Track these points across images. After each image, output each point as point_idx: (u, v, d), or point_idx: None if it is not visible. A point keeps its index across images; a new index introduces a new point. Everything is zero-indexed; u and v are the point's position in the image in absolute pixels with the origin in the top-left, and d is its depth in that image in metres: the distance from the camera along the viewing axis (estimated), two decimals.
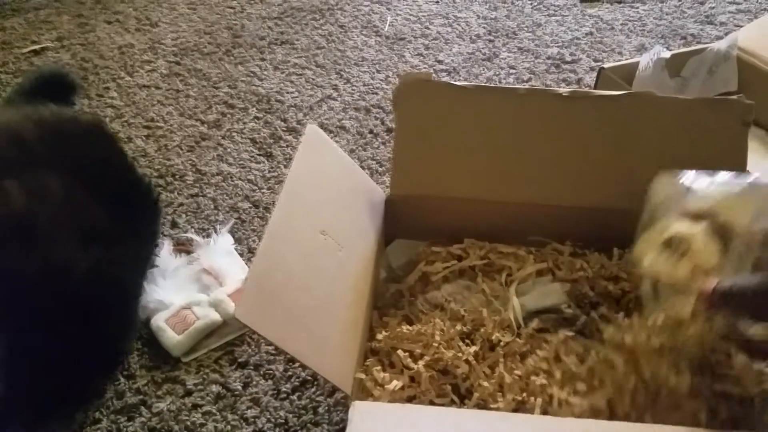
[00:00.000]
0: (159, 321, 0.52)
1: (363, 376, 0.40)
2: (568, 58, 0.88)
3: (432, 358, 0.41)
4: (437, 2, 1.02)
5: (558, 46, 0.91)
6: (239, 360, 0.51)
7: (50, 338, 0.43)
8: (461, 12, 0.99)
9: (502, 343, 0.42)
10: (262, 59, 0.87)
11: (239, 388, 0.49)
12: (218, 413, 0.47)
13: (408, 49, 0.90)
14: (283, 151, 0.72)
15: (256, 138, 0.74)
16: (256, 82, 0.83)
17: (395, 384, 0.39)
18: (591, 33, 0.94)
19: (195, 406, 0.47)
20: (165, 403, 0.47)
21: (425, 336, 0.42)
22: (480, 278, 0.48)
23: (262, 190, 0.67)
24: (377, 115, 0.77)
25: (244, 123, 0.76)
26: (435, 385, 0.40)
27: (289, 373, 0.50)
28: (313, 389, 0.48)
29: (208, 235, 0.61)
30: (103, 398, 0.47)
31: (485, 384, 0.40)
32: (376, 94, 0.81)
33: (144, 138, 0.74)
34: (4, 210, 0.44)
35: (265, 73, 0.85)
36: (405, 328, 0.43)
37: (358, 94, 0.81)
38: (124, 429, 0.46)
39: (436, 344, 0.42)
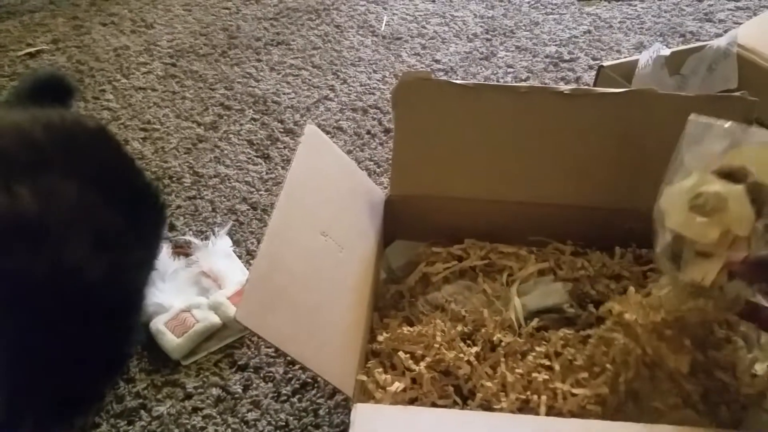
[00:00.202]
0: (158, 324, 0.52)
1: (365, 378, 0.40)
2: (567, 57, 0.88)
3: (433, 359, 0.41)
4: (433, 1, 1.02)
5: (556, 45, 0.91)
6: (239, 363, 0.50)
7: (56, 342, 0.43)
8: (458, 11, 0.99)
9: (503, 344, 0.42)
10: (258, 60, 0.87)
11: (239, 390, 0.48)
12: (218, 416, 0.47)
13: (405, 48, 0.90)
14: (281, 153, 0.72)
15: (253, 140, 0.73)
16: (253, 84, 0.82)
17: (397, 386, 0.39)
18: (589, 31, 0.94)
19: (195, 410, 0.47)
20: (165, 406, 0.47)
21: (426, 337, 0.42)
22: (481, 278, 0.48)
23: (260, 192, 0.67)
24: (374, 116, 0.77)
25: (241, 125, 0.76)
26: (437, 387, 0.40)
27: (290, 375, 0.49)
28: (313, 391, 0.48)
29: (207, 238, 0.60)
30: (104, 402, 0.47)
31: (488, 384, 0.39)
32: (373, 94, 0.81)
33: (141, 140, 0.73)
34: (15, 213, 0.43)
35: (262, 74, 0.84)
36: (406, 329, 0.43)
37: (354, 94, 0.81)
38: None
39: (437, 345, 0.41)
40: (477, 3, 1.02)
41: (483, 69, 0.86)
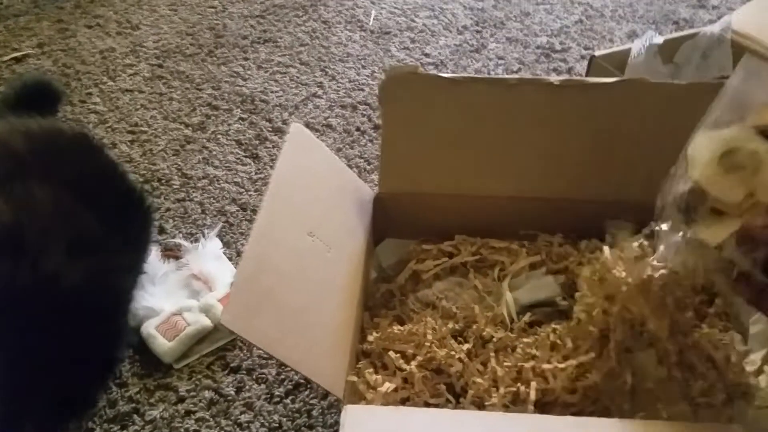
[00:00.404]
0: (149, 328, 0.51)
1: (355, 379, 0.39)
2: (558, 47, 0.87)
3: (424, 357, 0.41)
4: None
5: (547, 35, 0.90)
6: (231, 365, 0.50)
7: (43, 350, 0.43)
8: (447, 3, 0.98)
9: (494, 339, 0.42)
10: (246, 59, 0.86)
11: (232, 393, 0.48)
12: (211, 419, 0.47)
13: (394, 43, 0.89)
14: (270, 152, 0.71)
15: (242, 139, 0.73)
16: (240, 83, 0.81)
17: (387, 386, 0.38)
18: (581, 21, 0.93)
19: (188, 413, 0.47)
20: (158, 410, 0.47)
21: (417, 336, 0.42)
22: (472, 274, 0.47)
23: (249, 193, 0.66)
24: (364, 112, 0.76)
25: (229, 125, 0.75)
26: (429, 386, 0.40)
27: (282, 376, 0.49)
28: (306, 392, 0.48)
29: (196, 240, 0.60)
30: (97, 407, 0.47)
31: (479, 380, 0.39)
32: (362, 90, 0.80)
33: (128, 143, 0.73)
34: None
35: (249, 72, 0.83)
36: (396, 328, 0.43)
37: (343, 91, 0.80)
38: None
39: (428, 343, 0.41)
40: None
41: (473, 62, 0.85)
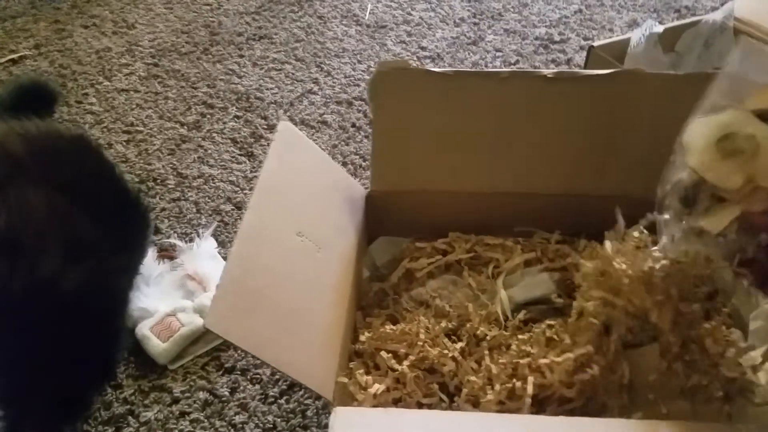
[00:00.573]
0: (144, 329, 0.51)
1: (346, 380, 0.39)
2: (557, 38, 0.85)
3: (417, 357, 0.40)
4: None
5: (546, 26, 0.88)
6: (226, 365, 0.50)
7: (41, 352, 0.43)
8: None
9: (488, 337, 0.41)
10: (241, 56, 0.85)
11: (226, 393, 0.48)
12: (206, 420, 0.46)
13: (390, 36, 0.88)
14: (265, 150, 0.70)
15: (237, 138, 0.72)
16: (235, 80, 0.81)
17: (377, 387, 0.38)
18: (580, 10, 0.91)
19: (183, 414, 0.47)
20: (152, 411, 0.47)
21: (409, 335, 0.41)
22: (466, 272, 0.47)
23: (245, 191, 0.66)
24: (360, 108, 0.75)
25: (224, 123, 0.74)
26: (421, 385, 0.39)
27: (277, 377, 0.49)
28: (300, 392, 0.48)
29: (191, 240, 0.60)
30: (92, 409, 0.47)
31: (473, 379, 0.38)
32: (358, 85, 0.79)
33: (124, 143, 0.72)
34: None
35: (244, 70, 0.83)
36: (389, 327, 0.42)
37: (339, 86, 0.79)
38: None
39: (420, 343, 0.40)
40: None
41: (471, 54, 0.84)
